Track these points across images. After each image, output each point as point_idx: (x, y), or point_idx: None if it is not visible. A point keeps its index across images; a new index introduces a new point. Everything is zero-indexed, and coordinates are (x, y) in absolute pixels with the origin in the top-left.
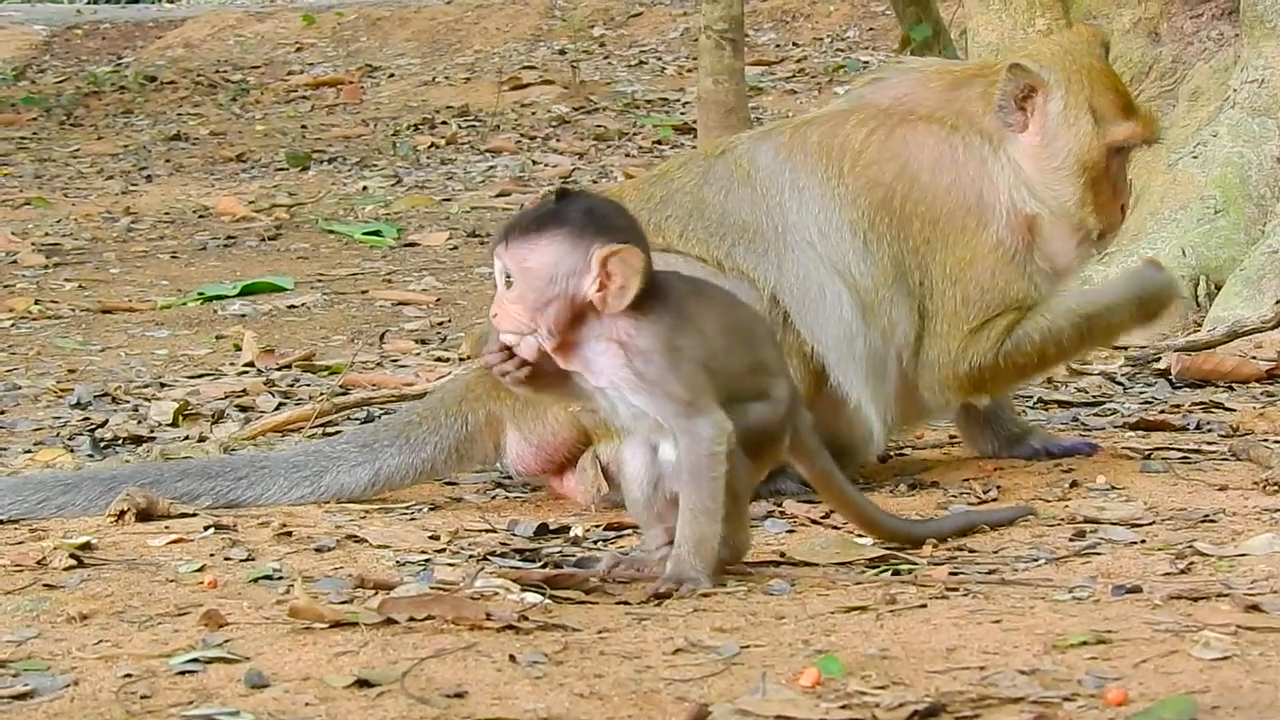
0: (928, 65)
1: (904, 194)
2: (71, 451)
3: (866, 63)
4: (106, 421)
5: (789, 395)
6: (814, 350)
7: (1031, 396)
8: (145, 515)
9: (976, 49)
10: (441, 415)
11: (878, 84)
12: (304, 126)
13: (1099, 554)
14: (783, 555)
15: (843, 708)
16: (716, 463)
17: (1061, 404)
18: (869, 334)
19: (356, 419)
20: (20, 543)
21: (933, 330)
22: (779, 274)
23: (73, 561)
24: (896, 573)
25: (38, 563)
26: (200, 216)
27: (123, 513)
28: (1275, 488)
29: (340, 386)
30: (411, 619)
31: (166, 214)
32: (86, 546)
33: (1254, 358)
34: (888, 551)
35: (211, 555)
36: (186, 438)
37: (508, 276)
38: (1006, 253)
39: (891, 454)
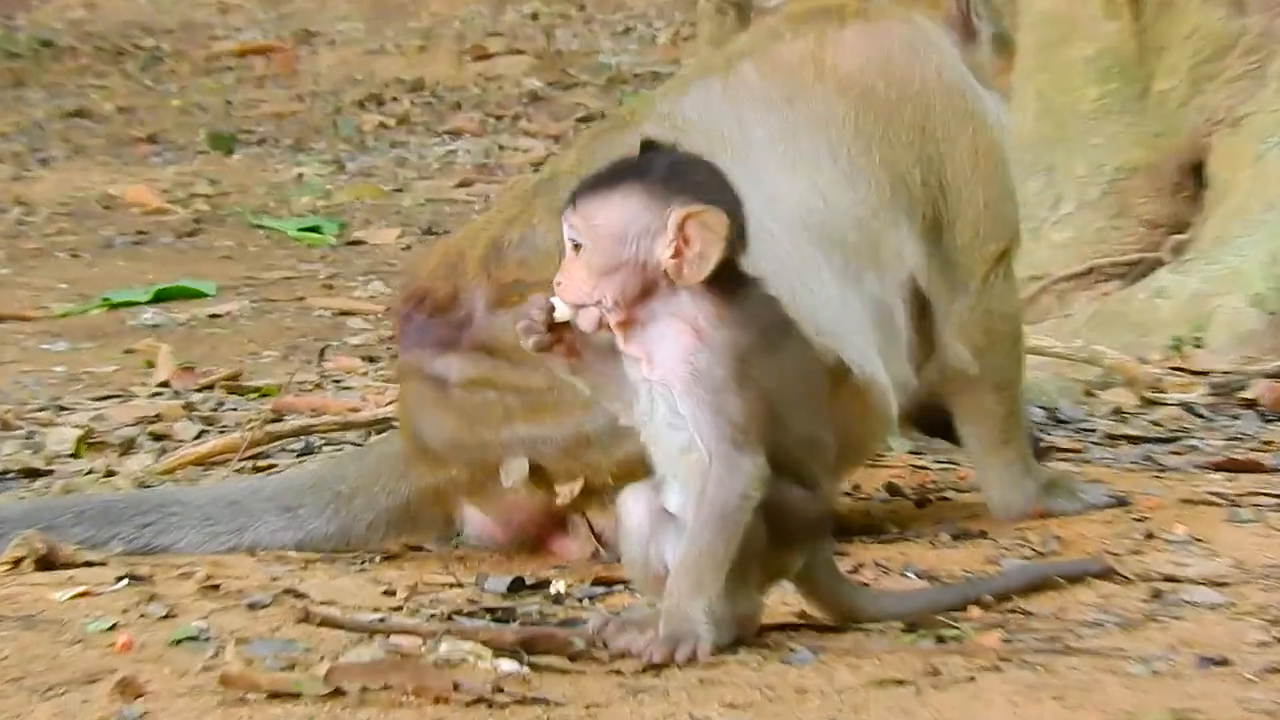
0: None
1: (887, 81)
2: None
3: None
4: None
5: (822, 508)
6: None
7: (1096, 430)
8: (46, 564)
9: (1031, 19)
10: (376, 488)
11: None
12: (228, 102)
13: (1179, 619)
14: (803, 616)
15: None
16: (744, 510)
17: (1131, 439)
18: (864, 282)
19: (292, 450)
20: None
21: (952, 244)
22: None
23: None
24: (939, 640)
25: None
26: (105, 208)
27: (18, 560)
28: None
29: (273, 412)
30: (365, 689)
31: (65, 204)
32: None
33: None
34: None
35: (125, 612)
36: (91, 471)
37: (575, 240)
38: (1005, 156)
39: (930, 498)
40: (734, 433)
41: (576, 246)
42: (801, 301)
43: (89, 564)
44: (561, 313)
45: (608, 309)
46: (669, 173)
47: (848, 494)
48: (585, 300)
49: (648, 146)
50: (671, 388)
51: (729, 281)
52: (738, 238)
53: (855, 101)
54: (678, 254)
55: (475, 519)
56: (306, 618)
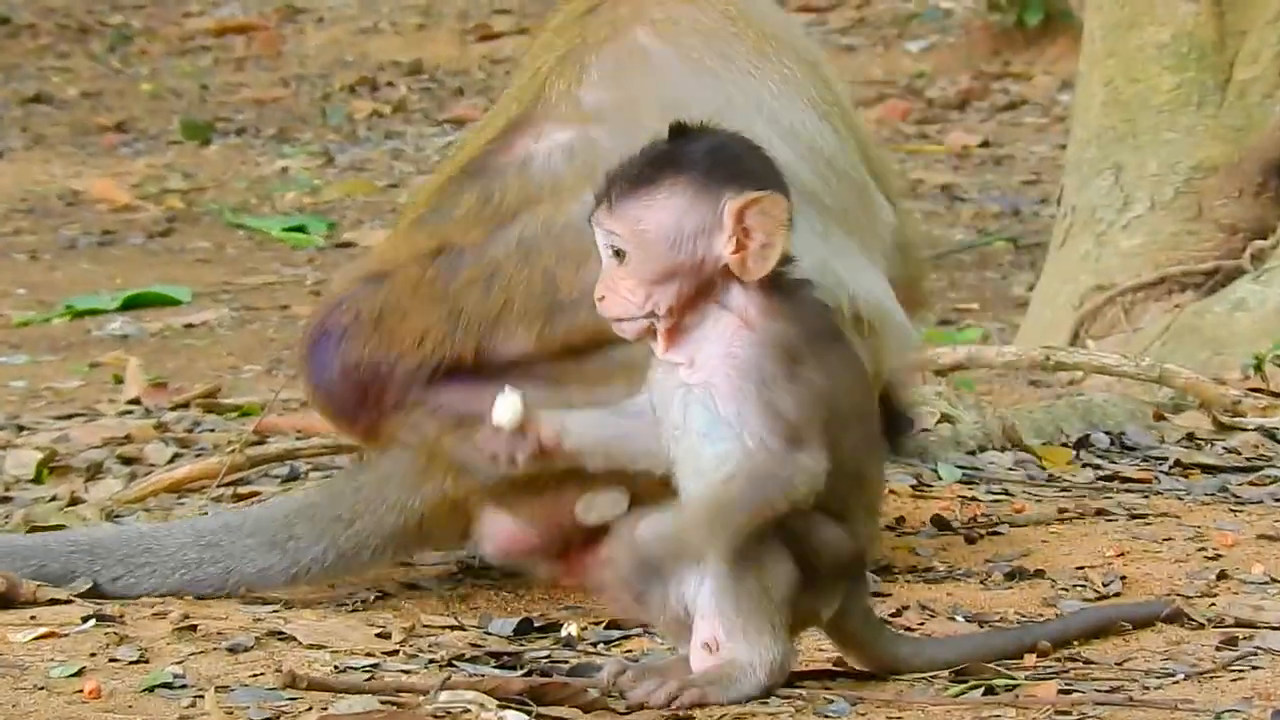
0: None
1: (784, 29)
2: None
3: (948, 10)
4: None
5: (858, 549)
6: None
7: (1167, 459)
8: (5, 602)
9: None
10: (382, 508)
11: None
12: (204, 86)
13: (1255, 668)
14: (839, 663)
15: None
16: (786, 499)
17: (1205, 468)
18: (864, 226)
19: (276, 476)
20: None
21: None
22: None
23: None
24: (990, 690)
25: None
26: (68, 204)
27: None
28: None
29: (255, 433)
30: None
31: (23, 200)
32: None
33: None
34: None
35: (93, 655)
36: (54, 498)
37: (616, 248)
38: None
39: (981, 533)
40: (787, 429)
41: (618, 254)
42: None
43: (53, 601)
44: (509, 419)
45: (659, 318)
46: (711, 160)
47: (890, 527)
48: (636, 313)
49: (677, 131)
50: (714, 389)
51: (781, 275)
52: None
53: (783, 53)
54: (740, 248)
55: (500, 527)
56: (293, 682)
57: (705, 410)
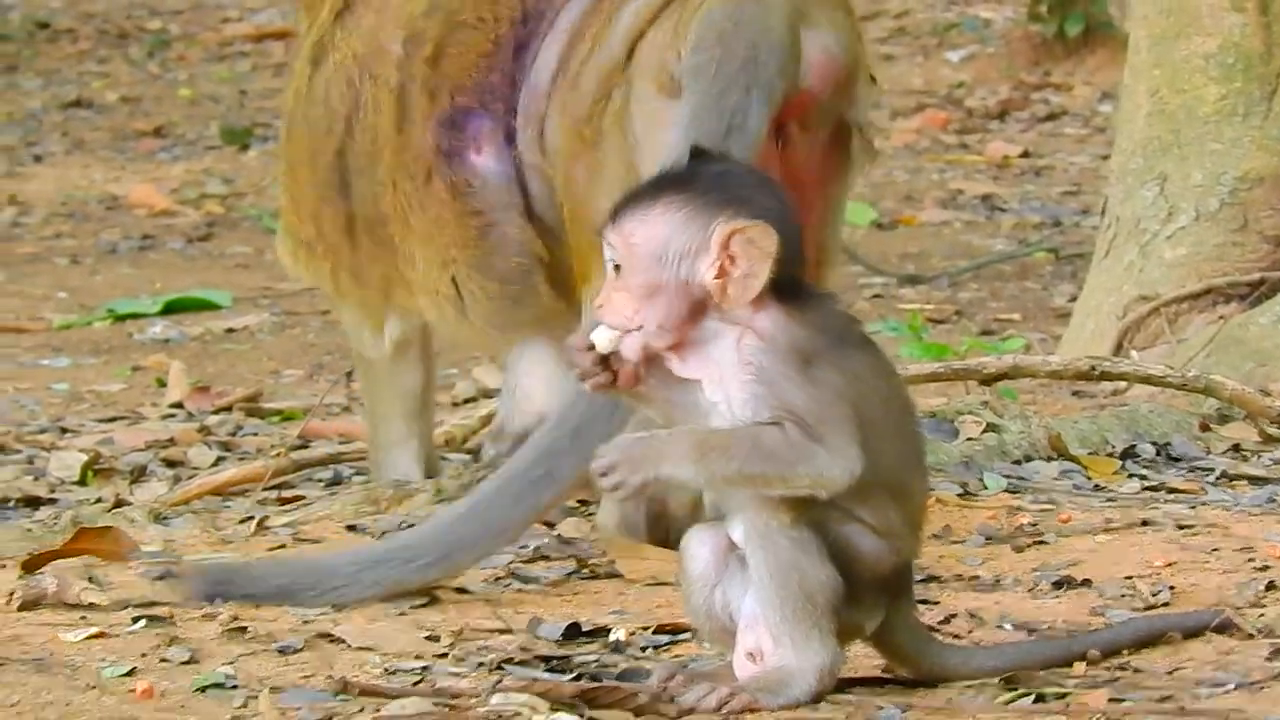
0: None
1: None
2: None
3: (988, 20)
4: None
5: (900, 563)
6: None
7: (1214, 470)
8: (53, 602)
9: (1144, 10)
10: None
11: None
12: (243, 92)
13: None
14: (889, 671)
15: None
16: (784, 483)
17: (1253, 479)
18: None
19: (320, 480)
20: None
21: None
22: None
23: None
24: (1040, 699)
25: None
26: (108, 209)
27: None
28: None
29: (298, 437)
30: None
31: (63, 204)
32: None
33: None
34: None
35: (144, 655)
36: (99, 500)
37: (614, 260)
38: None
39: (1029, 543)
40: (802, 424)
41: (617, 267)
42: None
43: (93, 606)
44: (603, 345)
45: (651, 334)
46: (714, 185)
47: (936, 536)
48: (627, 325)
49: (695, 154)
50: (731, 401)
51: (795, 297)
52: (791, 254)
53: None
54: (722, 274)
55: None
56: (345, 688)
57: (727, 424)
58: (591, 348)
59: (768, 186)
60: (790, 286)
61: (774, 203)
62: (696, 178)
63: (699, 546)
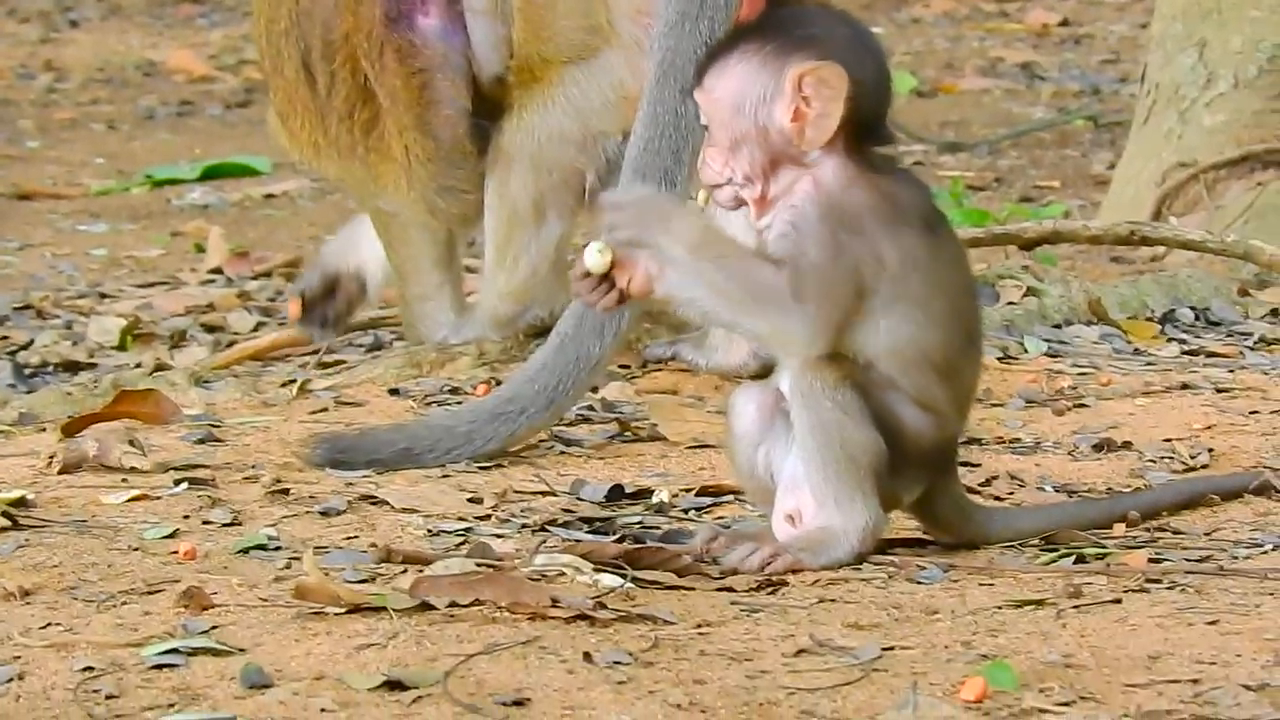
0: None
1: None
2: None
3: None
4: (32, 342)
5: (943, 439)
6: None
7: (1252, 334)
8: (96, 465)
9: None
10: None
11: None
12: None
13: None
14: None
15: None
16: (749, 323)
17: None
18: None
19: (360, 345)
20: None
21: None
22: None
23: (4, 521)
24: (1081, 559)
25: None
26: (145, 74)
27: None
28: None
29: None
30: (454, 604)
31: (100, 70)
32: (21, 503)
33: None
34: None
35: (186, 517)
36: (139, 365)
37: (705, 119)
38: None
39: (1069, 406)
40: (796, 277)
41: (706, 127)
42: None
43: (134, 470)
44: (595, 266)
45: (740, 185)
46: (783, 28)
47: (977, 400)
48: (718, 179)
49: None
50: (770, 233)
51: (872, 160)
52: (867, 93)
53: None
54: (798, 117)
55: None
56: (388, 557)
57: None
58: (587, 274)
59: (844, 25)
60: (871, 134)
61: (848, 42)
62: (770, 24)
63: (746, 403)
